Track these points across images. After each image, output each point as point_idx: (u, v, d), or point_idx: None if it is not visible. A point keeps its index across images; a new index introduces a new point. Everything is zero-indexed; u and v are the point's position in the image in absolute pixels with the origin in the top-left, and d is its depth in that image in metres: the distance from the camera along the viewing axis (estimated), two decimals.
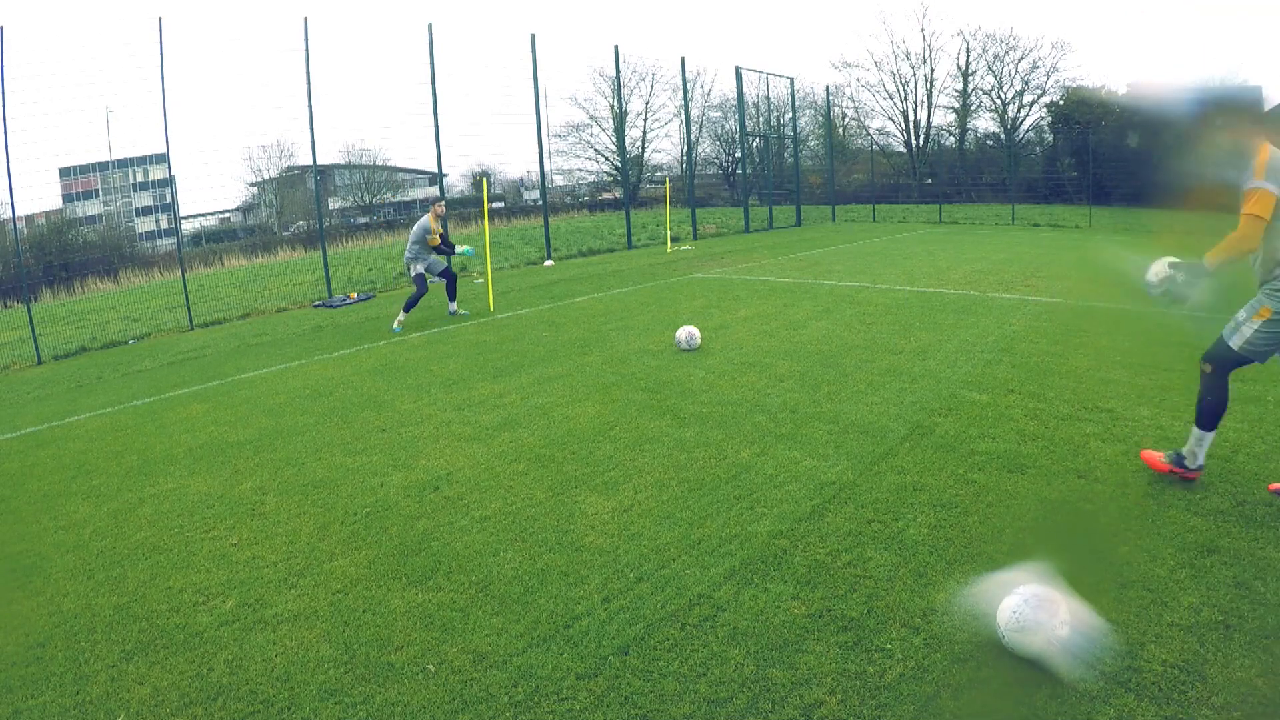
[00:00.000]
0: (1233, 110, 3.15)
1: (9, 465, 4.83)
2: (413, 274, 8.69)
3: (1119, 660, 2.22)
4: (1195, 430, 3.26)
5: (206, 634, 2.68)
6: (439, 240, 8.72)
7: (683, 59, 26.86)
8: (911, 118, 33.86)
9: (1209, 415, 3.21)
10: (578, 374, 5.92)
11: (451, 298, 9.18)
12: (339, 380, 6.32)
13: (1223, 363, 3.20)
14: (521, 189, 40.54)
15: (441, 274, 8.96)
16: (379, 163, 35.43)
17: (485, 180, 9.71)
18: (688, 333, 6.42)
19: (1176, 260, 3.25)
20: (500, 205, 35.69)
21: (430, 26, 12.85)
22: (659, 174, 36.48)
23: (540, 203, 19.18)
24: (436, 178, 14.29)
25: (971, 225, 19.52)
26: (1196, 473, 3.31)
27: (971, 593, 2.58)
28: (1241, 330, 3.14)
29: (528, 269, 14.49)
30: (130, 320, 11.58)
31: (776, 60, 60.68)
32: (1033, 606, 2.23)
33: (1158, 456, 3.42)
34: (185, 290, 11.03)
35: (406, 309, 8.48)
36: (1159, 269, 3.28)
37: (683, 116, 30.39)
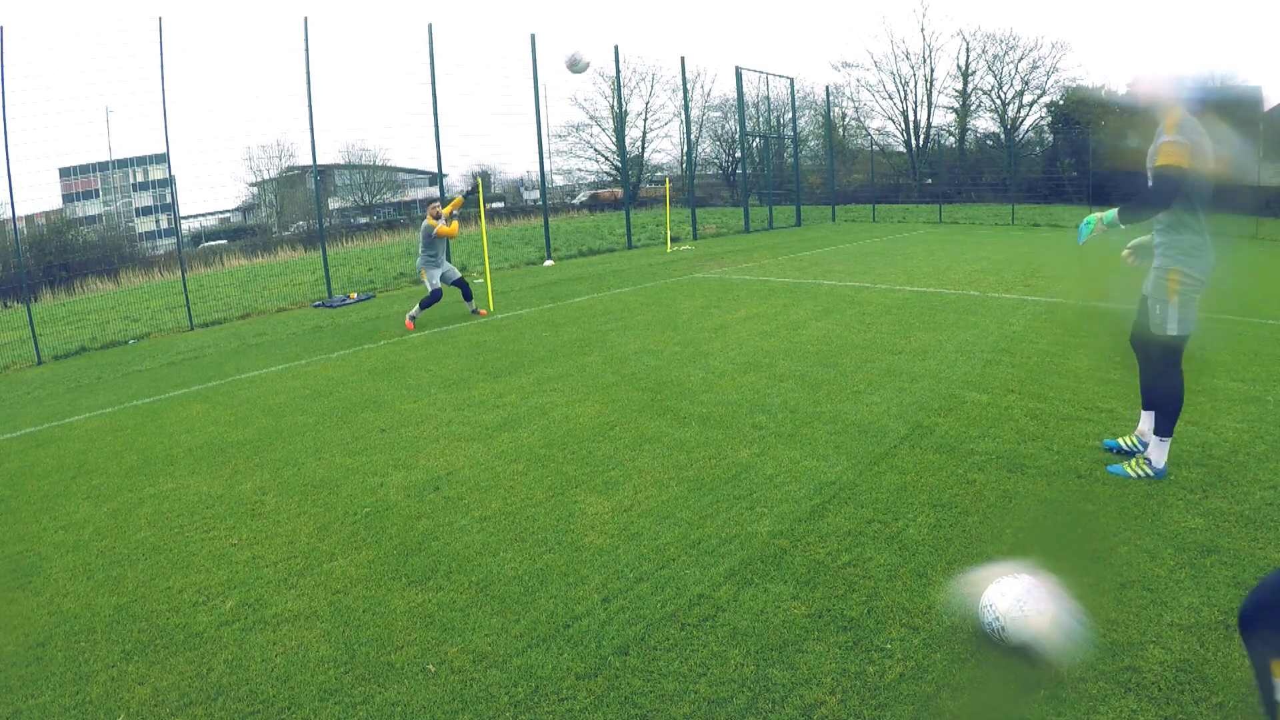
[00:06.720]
0: (1231, 108, 3.18)
1: (9, 465, 4.83)
2: (430, 286, 8.72)
3: (1119, 660, 2.22)
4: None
5: (206, 634, 2.68)
6: (452, 226, 8.74)
7: (683, 59, 26.90)
8: (911, 118, 33.88)
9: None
10: (577, 374, 5.92)
11: (468, 299, 9.20)
12: (339, 380, 6.32)
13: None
14: (521, 189, 40.55)
15: (455, 282, 8.97)
16: (379, 163, 35.44)
17: (479, 181, 9.68)
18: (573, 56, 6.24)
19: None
20: (500, 205, 35.68)
21: (430, 27, 12.87)
22: (659, 174, 36.48)
23: (540, 203, 19.18)
24: (436, 178, 14.29)
25: (971, 225, 19.52)
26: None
27: (968, 585, 2.58)
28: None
29: (528, 269, 14.49)
30: (130, 320, 11.57)
31: (776, 60, 60.70)
32: (1032, 595, 2.25)
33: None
34: (185, 290, 11.03)
35: (423, 306, 8.57)
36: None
37: (683, 116, 30.42)
